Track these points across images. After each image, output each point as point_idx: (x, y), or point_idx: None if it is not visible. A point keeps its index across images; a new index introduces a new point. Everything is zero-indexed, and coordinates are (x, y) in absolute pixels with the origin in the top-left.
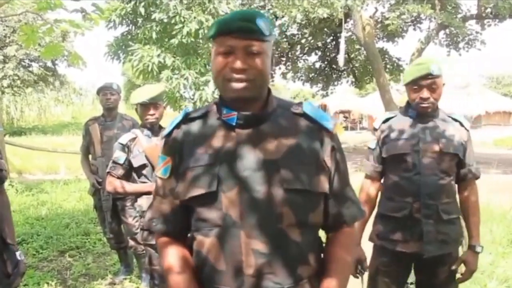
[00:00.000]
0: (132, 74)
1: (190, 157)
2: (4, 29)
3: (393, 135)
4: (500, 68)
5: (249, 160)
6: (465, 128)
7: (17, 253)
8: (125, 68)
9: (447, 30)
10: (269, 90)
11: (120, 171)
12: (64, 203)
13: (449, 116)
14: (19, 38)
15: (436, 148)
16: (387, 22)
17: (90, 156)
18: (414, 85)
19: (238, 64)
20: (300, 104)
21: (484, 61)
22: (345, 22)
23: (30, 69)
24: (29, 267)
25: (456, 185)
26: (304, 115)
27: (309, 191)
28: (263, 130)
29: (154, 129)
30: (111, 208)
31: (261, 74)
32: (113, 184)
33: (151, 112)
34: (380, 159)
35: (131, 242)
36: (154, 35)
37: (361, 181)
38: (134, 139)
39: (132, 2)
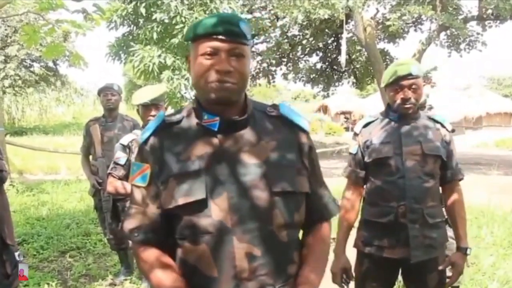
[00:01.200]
0: (133, 75)
1: (172, 164)
2: (5, 29)
3: (375, 139)
4: (501, 69)
5: (234, 165)
6: (447, 129)
7: (16, 254)
8: (126, 68)
9: (448, 31)
10: (245, 94)
11: (121, 172)
12: (64, 204)
13: (430, 118)
14: (21, 38)
15: (419, 150)
16: (388, 23)
17: (90, 157)
18: (395, 85)
19: (224, 65)
20: (275, 106)
21: (485, 63)
22: (346, 23)
23: (32, 69)
24: (29, 268)
25: (441, 188)
26: (281, 117)
27: (294, 192)
28: (245, 134)
29: None
30: (111, 209)
31: (243, 77)
32: (113, 184)
33: (153, 113)
34: (362, 164)
35: (131, 244)
36: (155, 36)
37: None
38: (135, 140)
39: (133, 3)
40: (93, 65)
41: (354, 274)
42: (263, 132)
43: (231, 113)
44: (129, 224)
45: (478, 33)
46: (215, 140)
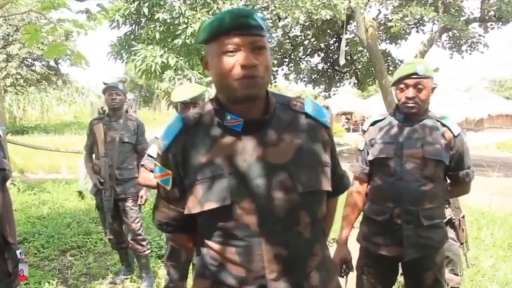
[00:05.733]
0: (134, 74)
1: (195, 169)
2: (7, 28)
3: (379, 138)
4: (502, 71)
5: (259, 167)
6: (454, 135)
7: (18, 252)
8: (127, 68)
9: (450, 33)
10: (267, 90)
11: (153, 165)
12: (65, 203)
13: (438, 120)
14: (22, 37)
15: (420, 153)
16: (390, 24)
17: (93, 156)
18: (400, 84)
19: (250, 60)
20: (297, 99)
21: (487, 64)
22: (348, 24)
23: (33, 68)
24: (30, 266)
25: (446, 187)
26: (305, 114)
27: (320, 191)
28: (268, 134)
29: None
30: (112, 209)
31: (268, 69)
32: (145, 177)
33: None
34: (367, 161)
35: (132, 243)
36: (157, 35)
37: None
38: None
39: (136, 3)
40: (96, 64)
41: (354, 266)
42: (287, 130)
43: (254, 112)
44: (158, 216)
45: (480, 35)
46: (239, 142)
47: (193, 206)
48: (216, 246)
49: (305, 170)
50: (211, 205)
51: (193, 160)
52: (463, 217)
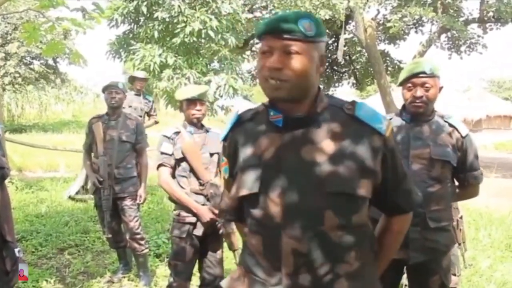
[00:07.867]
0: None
1: (241, 158)
2: (5, 26)
3: None
4: (501, 72)
5: (291, 162)
6: (461, 135)
7: (16, 250)
8: (126, 66)
9: (449, 33)
10: (318, 89)
11: (172, 161)
12: (63, 201)
13: (445, 121)
14: (21, 36)
15: (427, 154)
16: (389, 24)
17: (92, 155)
18: (408, 83)
19: (273, 63)
20: (353, 103)
21: (485, 65)
22: (347, 23)
23: (31, 66)
24: (28, 265)
25: (454, 189)
26: (356, 118)
27: (352, 195)
28: (309, 132)
29: (198, 125)
30: (111, 208)
31: (296, 74)
32: (167, 183)
33: (198, 107)
34: None
35: (130, 242)
36: (156, 34)
37: None
38: (178, 133)
39: (135, 1)
40: (94, 63)
41: None
42: (332, 131)
43: (297, 110)
44: (222, 204)
45: (478, 36)
46: (279, 136)
47: (234, 192)
48: (250, 235)
49: (340, 172)
50: (243, 192)
51: (241, 151)
52: (461, 217)
